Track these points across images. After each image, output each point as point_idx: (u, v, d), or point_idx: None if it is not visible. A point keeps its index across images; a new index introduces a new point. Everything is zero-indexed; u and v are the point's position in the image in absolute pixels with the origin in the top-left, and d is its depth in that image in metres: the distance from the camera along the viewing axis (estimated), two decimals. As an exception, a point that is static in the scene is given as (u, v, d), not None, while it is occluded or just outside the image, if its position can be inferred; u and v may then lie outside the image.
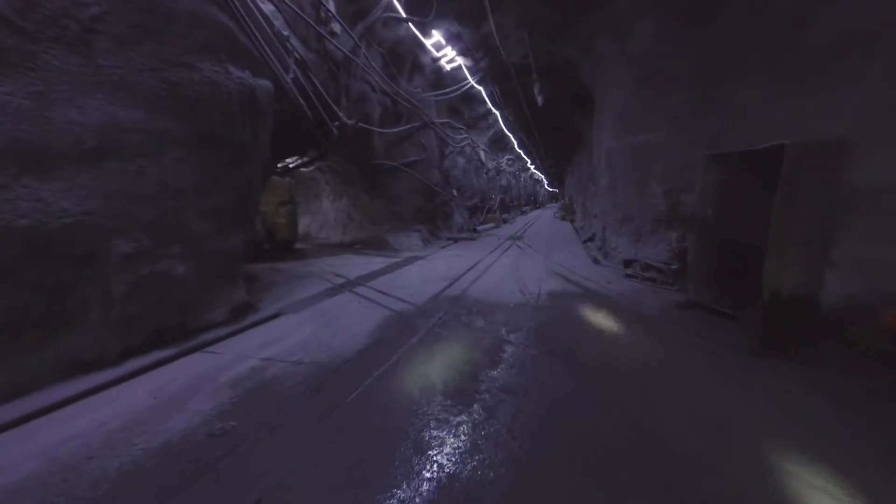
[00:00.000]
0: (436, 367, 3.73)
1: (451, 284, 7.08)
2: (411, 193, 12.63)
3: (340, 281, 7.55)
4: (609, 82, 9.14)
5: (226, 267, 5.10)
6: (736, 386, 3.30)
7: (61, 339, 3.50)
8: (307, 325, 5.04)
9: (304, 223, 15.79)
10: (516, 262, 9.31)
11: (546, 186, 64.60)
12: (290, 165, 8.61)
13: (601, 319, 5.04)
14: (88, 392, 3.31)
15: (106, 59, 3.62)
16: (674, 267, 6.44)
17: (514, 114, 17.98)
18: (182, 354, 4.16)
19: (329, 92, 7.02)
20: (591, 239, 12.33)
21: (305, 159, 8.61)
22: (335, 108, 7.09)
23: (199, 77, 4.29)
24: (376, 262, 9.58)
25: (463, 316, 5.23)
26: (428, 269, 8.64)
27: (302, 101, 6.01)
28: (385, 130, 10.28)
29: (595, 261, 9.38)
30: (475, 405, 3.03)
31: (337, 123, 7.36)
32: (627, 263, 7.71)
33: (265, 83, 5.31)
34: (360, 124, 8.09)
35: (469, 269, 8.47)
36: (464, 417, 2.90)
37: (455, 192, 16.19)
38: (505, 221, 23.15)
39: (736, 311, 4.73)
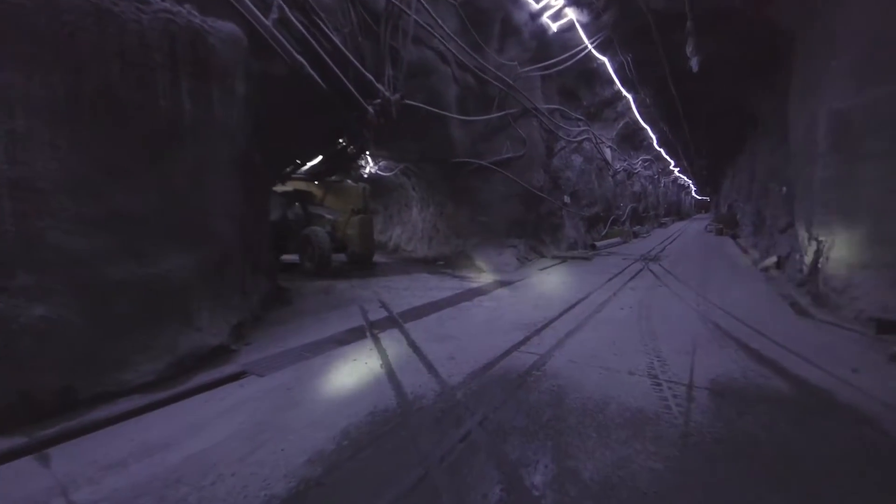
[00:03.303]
0: None
1: (525, 340, 4.35)
2: (506, 200, 10.07)
3: (379, 316, 5.49)
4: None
5: (157, 303, 3.40)
6: None
7: None
8: (245, 410, 2.99)
9: (394, 234, 14.61)
10: (647, 302, 5.98)
11: (693, 194, 54.27)
12: (320, 164, 6.93)
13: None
14: None
15: None
16: None
17: (653, 95, 13.79)
18: (9, 457, 2.48)
19: (360, 54, 5.06)
20: (778, 265, 7.98)
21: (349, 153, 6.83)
22: (369, 76, 5.08)
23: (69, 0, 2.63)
24: (445, 289, 7.31)
25: (514, 437, 2.53)
26: (506, 306, 6.00)
27: (303, 60, 4.12)
28: (466, 118, 8.01)
29: (795, 307, 5.46)
30: None
31: (378, 101, 5.35)
32: (890, 327, 3.92)
33: (229, 28, 3.54)
34: (409, 102, 5.94)
35: (566, 311, 5.54)
36: None
37: (567, 199, 13.01)
38: (636, 236, 18.66)
39: None
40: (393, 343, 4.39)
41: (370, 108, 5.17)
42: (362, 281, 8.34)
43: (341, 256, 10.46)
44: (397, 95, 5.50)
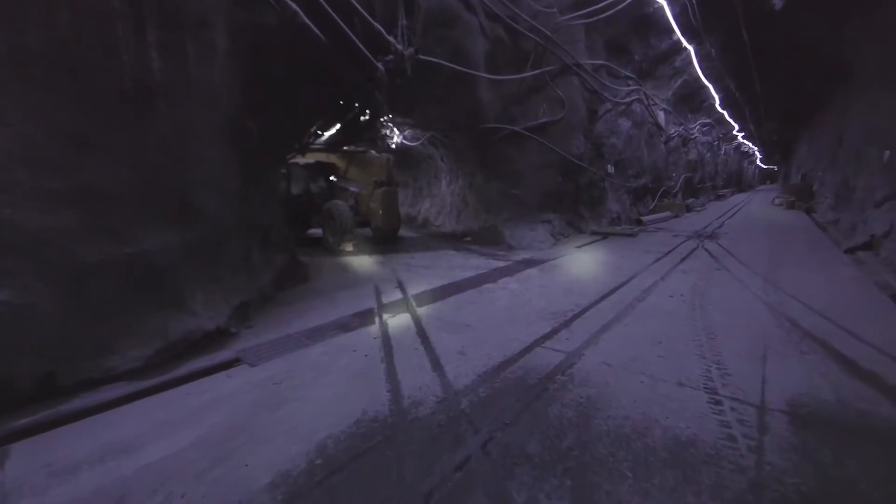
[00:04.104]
0: None
1: (552, 334, 3.75)
2: (540, 170, 9.20)
3: (393, 298, 5.08)
4: None
5: (140, 285, 3.12)
6: None
7: None
8: (224, 408, 2.66)
9: (423, 208, 14.12)
10: (703, 289, 5.13)
11: (758, 162, 49.29)
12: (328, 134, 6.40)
13: None
14: None
15: None
16: None
17: (721, 45, 11.91)
18: (-39, 456, 2.30)
19: (367, 0, 4.39)
20: (870, 246, 6.72)
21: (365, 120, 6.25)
22: (378, 27, 4.42)
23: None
24: (468, 268, 6.77)
25: (524, 470, 2.00)
26: (534, 289, 5.37)
27: (296, 7, 3.54)
28: (495, 77, 7.17)
29: (897, 299, 4.45)
30: None
31: (391, 57, 4.72)
32: None
33: (200, -36, 3.01)
34: (425, 58, 5.23)
35: (603, 298, 4.84)
36: None
37: (611, 169, 11.83)
38: (689, 209, 17.01)
39: None
40: (401, 331, 3.94)
41: (380, 66, 4.55)
42: (384, 257, 7.98)
43: (368, 231, 10.17)
44: (411, 49, 4.81)
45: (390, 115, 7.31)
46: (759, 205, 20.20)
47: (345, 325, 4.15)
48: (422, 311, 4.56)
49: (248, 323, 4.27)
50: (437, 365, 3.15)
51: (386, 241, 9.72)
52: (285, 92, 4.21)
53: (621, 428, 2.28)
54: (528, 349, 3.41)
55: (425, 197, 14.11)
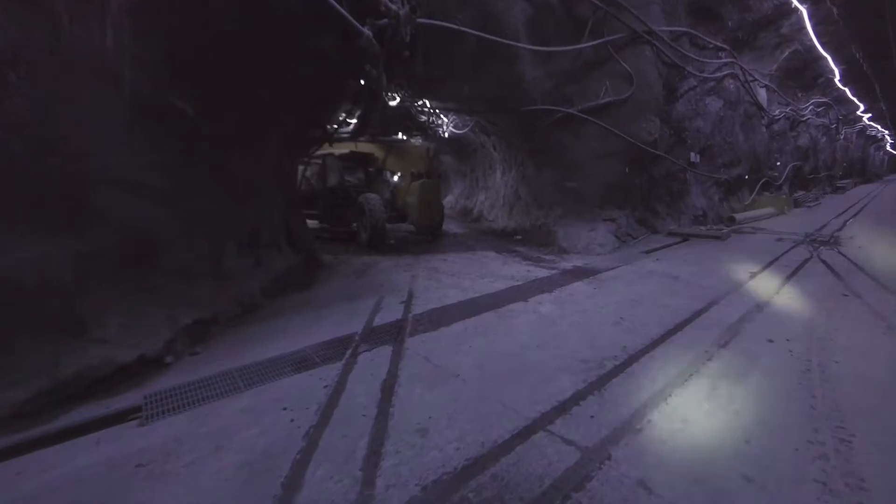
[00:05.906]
0: None
1: (571, 403, 2.48)
2: (601, 159, 7.62)
3: (388, 319, 4.13)
4: None
5: (7, 311, 2.44)
6: None
7: None
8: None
9: (479, 200, 13.09)
10: (822, 331, 3.44)
11: (888, 148, 40.81)
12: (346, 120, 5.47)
13: None
14: None
15: None
16: None
17: (846, 4, 9.24)
18: None
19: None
20: None
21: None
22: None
23: None
24: (501, 277, 5.62)
25: None
26: (572, 315, 4.05)
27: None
28: (540, 48, 5.81)
29: None
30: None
31: (385, 21, 3.69)
32: None
33: None
34: (427, 21, 4.09)
35: (664, 337, 3.39)
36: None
37: (696, 157, 9.72)
38: (798, 205, 13.92)
39: None
40: (365, 377, 2.93)
41: (366, 31, 3.51)
42: (413, 258, 7.06)
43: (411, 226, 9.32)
44: (405, 10, 3.70)
45: (401, 94, 6.26)
46: (892, 199, 16.13)
47: (304, 361, 3.23)
48: (412, 342, 3.52)
49: (194, 348, 3.53)
50: (373, 455, 2.07)
51: (426, 238, 8.83)
52: (244, 67, 3.35)
53: None
54: (523, 433, 2.20)
55: (481, 189, 13.02)
